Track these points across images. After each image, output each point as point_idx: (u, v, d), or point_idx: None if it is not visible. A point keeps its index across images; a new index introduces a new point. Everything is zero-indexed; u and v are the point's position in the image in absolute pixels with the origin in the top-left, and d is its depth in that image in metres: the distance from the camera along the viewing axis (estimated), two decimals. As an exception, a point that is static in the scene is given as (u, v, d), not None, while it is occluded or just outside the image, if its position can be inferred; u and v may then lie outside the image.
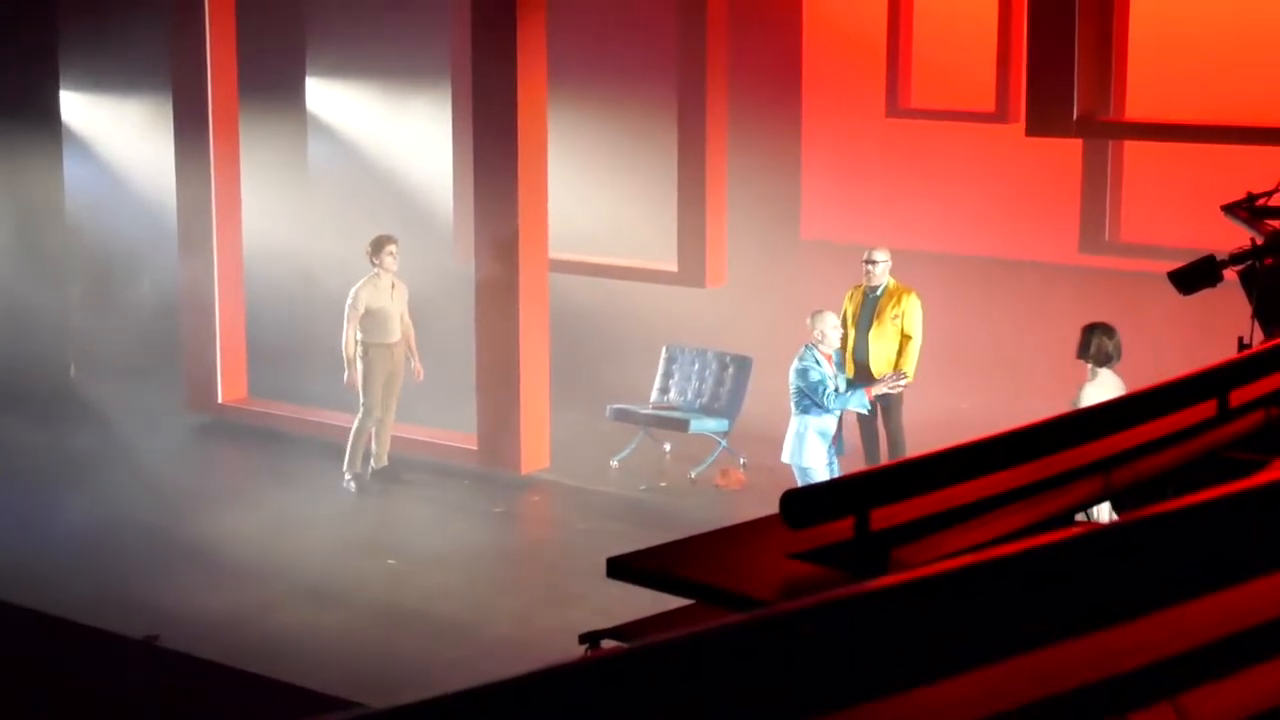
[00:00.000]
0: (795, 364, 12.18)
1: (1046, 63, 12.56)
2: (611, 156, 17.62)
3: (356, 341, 14.25)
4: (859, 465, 11.88)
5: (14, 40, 17.29)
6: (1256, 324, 6.89)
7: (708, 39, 15.74)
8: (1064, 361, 13.44)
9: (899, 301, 13.30)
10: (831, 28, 17.24)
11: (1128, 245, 14.96)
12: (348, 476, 14.41)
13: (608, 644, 4.50)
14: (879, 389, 12.84)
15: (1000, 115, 15.52)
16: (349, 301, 14.28)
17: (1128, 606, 3.08)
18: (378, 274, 14.34)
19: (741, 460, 14.51)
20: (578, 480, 14.56)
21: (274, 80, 18.47)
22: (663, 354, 15.43)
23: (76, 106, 18.85)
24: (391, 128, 19.34)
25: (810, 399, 12.05)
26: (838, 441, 12.28)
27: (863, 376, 13.12)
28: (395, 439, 14.58)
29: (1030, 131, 12.94)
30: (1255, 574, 3.29)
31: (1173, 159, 14.93)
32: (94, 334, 17.61)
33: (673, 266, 16.04)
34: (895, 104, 16.29)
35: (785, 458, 12.30)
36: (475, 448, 14.74)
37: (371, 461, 14.49)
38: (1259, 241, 7.30)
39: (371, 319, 14.25)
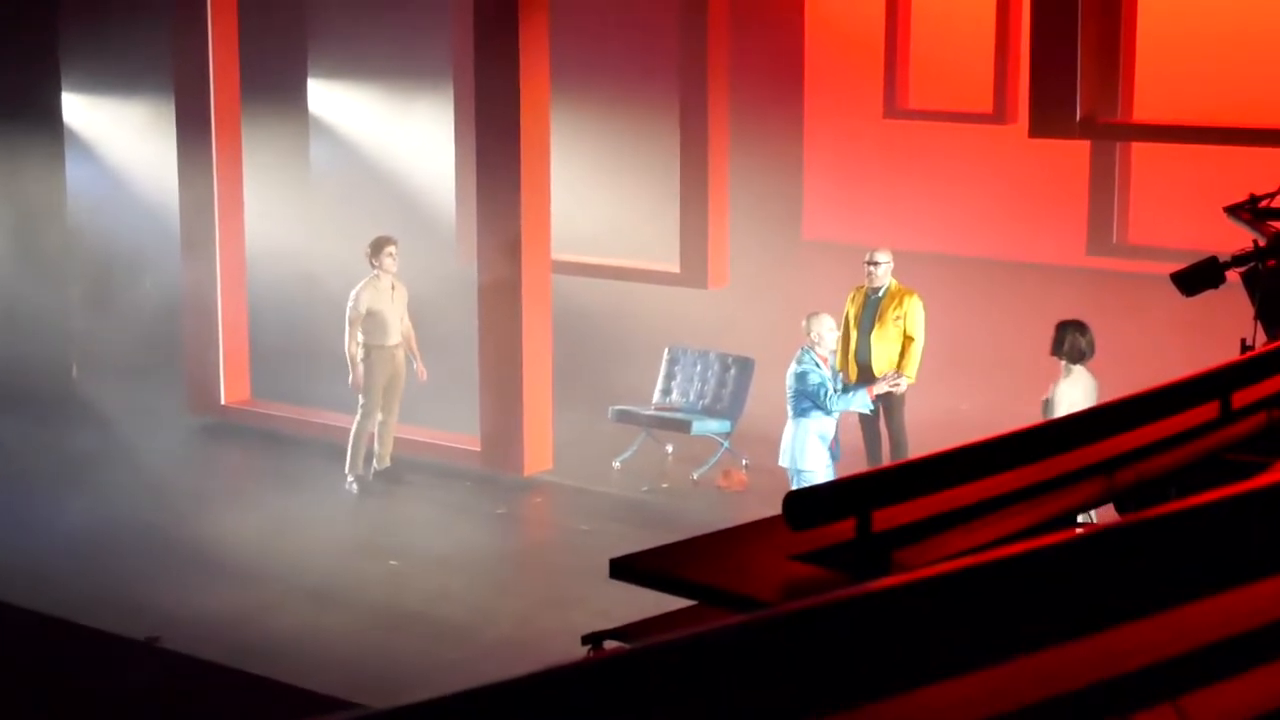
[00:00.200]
0: (793, 367, 12.14)
1: (1049, 64, 12.56)
2: (614, 157, 17.63)
3: (359, 344, 14.26)
4: (859, 467, 11.87)
5: (15, 41, 17.29)
6: (1259, 325, 6.89)
7: (709, 39, 15.74)
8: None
9: (901, 303, 13.29)
10: (833, 28, 17.24)
11: (1135, 247, 14.93)
12: (350, 478, 14.41)
13: (610, 645, 4.51)
14: (879, 388, 12.83)
15: (998, 116, 15.53)
16: (350, 304, 14.28)
17: (1130, 608, 3.08)
18: (377, 275, 14.34)
19: (744, 461, 14.50)
20: (580, 481, 14.55)
21: (276, 81, 18.48)
22: (665, 355, 15.43)
23: (78, 108, 18.86)
24: (394, 129, 19.35)
25: (811, 402, 12.02)
26: (835, 445, 12.27)
27: (865, 378, 13.12)
28: (398, 440, 14.57)
29: (1033, 133, 12.93)
30: (1257, 576, 3.29)
31: (1181, 161, 14.92)
32: (96, 335, 17.61)
33: (675, 267, 16.04)
34: (893, 105, 16.29)
35: (783, 461, 12.26)
36: (478, 449, 14.74)
37: (374, 462, 14.49)
38: (1261, 243, 7.31)
39: (372, 321, 14.25)
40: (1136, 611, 3.08)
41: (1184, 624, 3.14)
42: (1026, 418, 4.80)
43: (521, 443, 14.52)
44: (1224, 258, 7.38)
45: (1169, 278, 7.66)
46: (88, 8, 18.43)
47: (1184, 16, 15.13)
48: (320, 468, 14.71)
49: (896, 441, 13.29)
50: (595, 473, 14.74)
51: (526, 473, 14.55)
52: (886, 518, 4.07)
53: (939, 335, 14.02)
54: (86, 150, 19.10)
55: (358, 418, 14.40)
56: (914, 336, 13.27)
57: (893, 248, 13.73)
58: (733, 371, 14.99)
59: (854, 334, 13.37)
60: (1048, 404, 11.43)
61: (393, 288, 14.37)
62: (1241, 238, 7.70)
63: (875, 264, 13.37)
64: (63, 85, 17.98)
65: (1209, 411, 5.12)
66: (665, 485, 14.54)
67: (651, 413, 15.04)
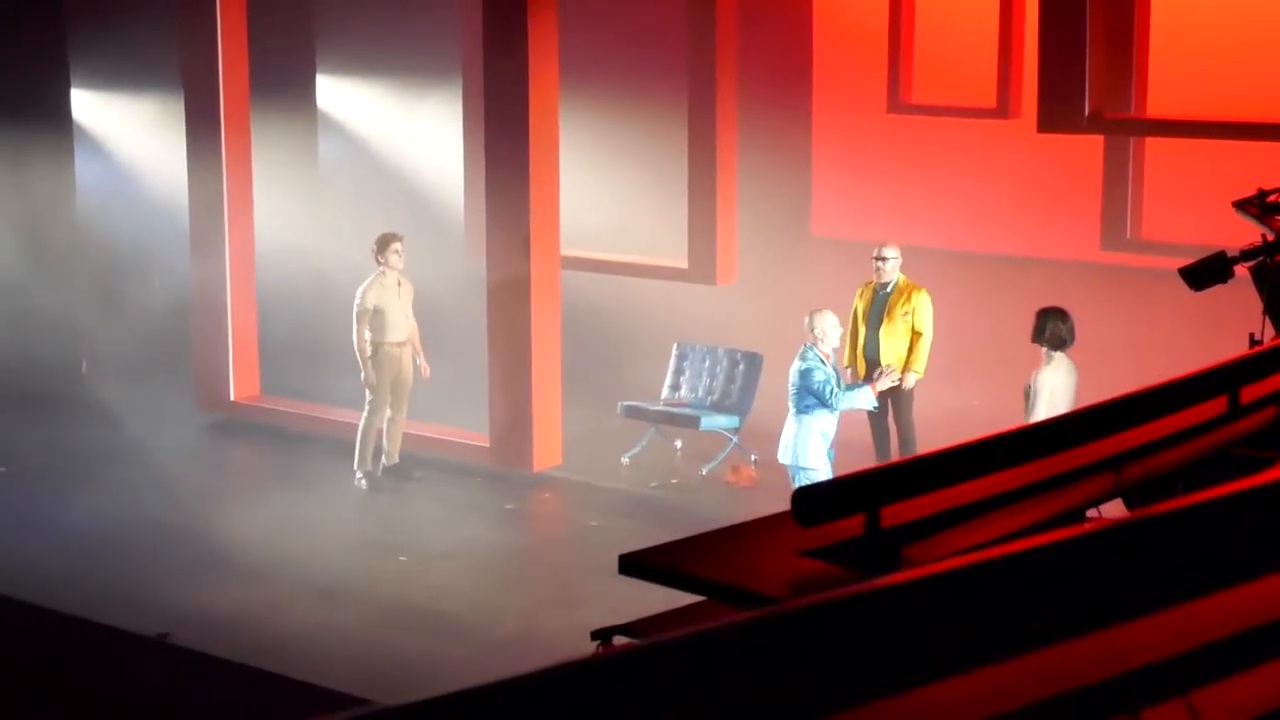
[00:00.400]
0: (797, 364, 12.09)
1: (1057, 59, 12.55)
2: (622, 153, 17.63)
3: (368, 341, 14.26)
4: (865, 463, 11.86)
5: (24, 37, 17.31)
6: (1268, 320, 6.89)
7: (718, 35, 15.73)
8: (1078, 360, 13.43)
9: (909, 298, 13.29)
10: (842, 23, 17.24)
11: (1149, 243, 14.88)
12: (359, 474, 14.42)
13: (619, 641, 4.51)
14: (882, 384, 12.81)
15: (1001, 111, 15.51)
16: (357, 302, 14.28)
17: (1139, 603, 3.08)
18: (383, 272, 14.34)
19: (752, 457, 14.50)
20: (589, 477, 14.56)
21: (285, 78, 18.48)
22: (673, 351, 15.43)
23: (87, 104, 18.88)
24: (402, 125, 19.36)
25: (815, 399, 11.98)
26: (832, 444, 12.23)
27: (873, 373, 13.11)
28: (407, 436, 14.58)
29: (1042, 128, 12.92)
30: (1266, 571, 3.29)
31: (1196, 156, 14.89)
32: (105, 332, 17.63)
33: (683, 263, 16.03)
34: (897, 100, 16.28)
35: (783, 458, 12.19)
36: (487, 445, 14.75)
37: (383, 459, 14.49)
38: (1270, 238, 7.30)
39: (379, 318, 14.24)
40: (1146, 607, 3.09)
41: (1193, 620, 3.14)
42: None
43: (530, 439, 14.53)
44: (1232, 252, 7.38)
45: (1178, 273, 7.66)
46: (97, 4, 18.44)
47: (1196, 10, 15.10)
48: (329, 464, 14.72)
49: (905, 437, 13.28)
50: (604, 468, 14.74)
51: (535, 469, 14.56)
52: (895, 514, 4.08)
53: (949, 331, 14.01)
54: (95, 147, 19.12)
55: (365, 414, 14.41)
56: (922, 332, 13.26)
57: (901, 243, 13.72)
58: (741, 367, 14.99)
59: (862, 329, 13.37)
60: (1029, 390, 11.58)
61: (399, 284, 14.36)
62: (1255, 233, 7.69)
63: (884, 259, 13.37)
64: (71, 81, 17.99)
65: (1217, 407, 5.12)
66: (674, 481, 14.54)
67: (660, 408, 15.05)
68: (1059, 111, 12.62)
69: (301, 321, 17.21)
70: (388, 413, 14.42)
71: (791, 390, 12.11)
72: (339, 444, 14.78)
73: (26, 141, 17.23)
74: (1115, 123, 13.23)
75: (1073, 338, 11.69)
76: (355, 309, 14.30)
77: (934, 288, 13.59)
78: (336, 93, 19.66)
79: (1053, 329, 11.64)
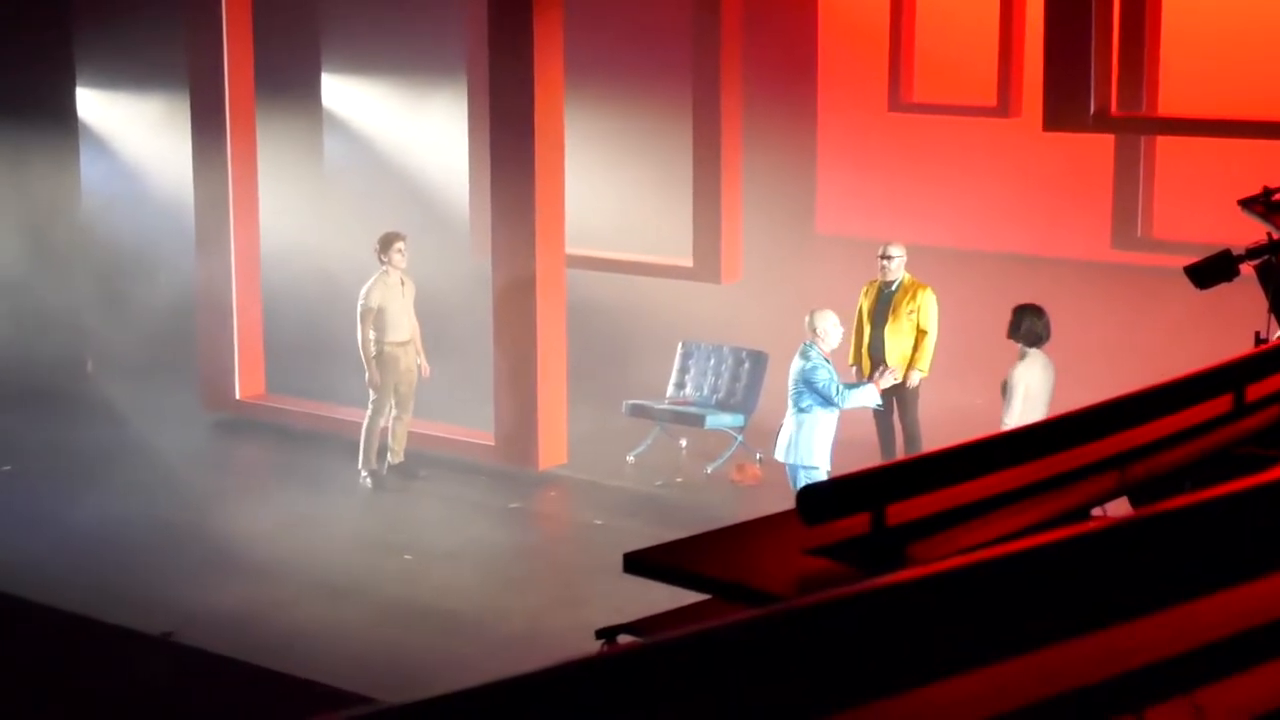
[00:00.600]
0: (801, 364, 12.05)
1: (1062, 57, 12.53)
2: (627, 152, 17.62)
3: (372, 341, 14.26)
4: (870, 462, 11.85)
5: (29, 36, 17.31)
6: (1273, 319, 6.88)
7: (722, 33, 15.73)
8: (1081, 358, 13.43)
9: (914, 296, 13.29)
10: (847, 22, 17.22)
11: (1160, 241, 14.84)
12: (363, 473, 14.42)
13: (624, 639, 4.51)
14: (885, 381, 12.80)
15: (1002, 110, 15.51)
16: (361, 302, 14.28)
17: (1144, 602, 3.08)
18: (386, 271, 14.34)
19: (757, 455, 14.50)
20: (594, 476, 14.56)
21: (290, 77, 18.49)
22: (678, 349, 15.43)
23: (92, 103, 18.88)
24: (407, 124, 19.36)
25: (821, 398, 11.96)
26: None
27: (877, 371, 13.11)
28: (412, 435, 14.58)
29: (1047, 126, 12.91)
30: (1271, 569, 3.29)
31: (1208, 154, 14.85)
32: (110, 331, 17.64)
33: (688, 262, 16.03)
34: (897, 98, 16.27)
35: (783, 457, 12.15)
36: (492, 444, 14.75)
37: (388, 457, 14.50)
38: (1276, 236, 7.29)
39: (382, 317, 14.24)
40: (1151, 606, 3.08)
41: (1199, 618, 3.14)
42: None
43: (536, 437, 14.53)
44: (1238, 251, 7.37)
45: (1183, 271, 7.65)
46: (101, 3, 18.44)
47: (1208, 8, 15.07)
48: (335, 463, 14.72)
49: (910, 436, 13.28)
50: (609, 467, 14.74)
51: (541, 467, 14.56)
52: (901, 512, 4.08)
53: (955, 329, 14.00)
54: (100, 146, 19.12)
55: (368, 414, 14.41)
56: (927, 330, 13.27)
57: (908, 241, 13.72)
58: (746, 366, 14.99)
59: (867, 328, 13.38)
60: (1005, 386, 11.79)
61: (402, 283, 14.36)
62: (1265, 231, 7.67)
63: (889, 258, 13.37)
64: (76, 80, 18.01)
65: (1222, 405, 5.11)
66: (679, 480, 14.54)
67: (665, 407, 15.05)
68: (1064, 110, 12.61)
69: (306, 320, 17.21)
70: (392, 412, 14.42)
71: (792, 389, 12.08)
72: (344, 443, 14.78)
73: (31, 140, 17.24)
74: (1120, 121, 13.21)
75: (1048, 334, 11.88)
76: (359, 309, 14.29)
77: (941, 286, 13.58)
78: (341, 91, 19.66)
79: (1028, 326, 11.84)
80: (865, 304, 13.46)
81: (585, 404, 15.22)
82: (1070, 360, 12.75)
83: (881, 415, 13.30)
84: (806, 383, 11.97)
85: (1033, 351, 11.82)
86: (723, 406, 14.89)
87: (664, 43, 17.41)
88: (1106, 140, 14.62)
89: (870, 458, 12.37)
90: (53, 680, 10.63)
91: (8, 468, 14.93)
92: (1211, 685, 3.09)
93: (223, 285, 16.07)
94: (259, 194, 16.22)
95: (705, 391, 15.12)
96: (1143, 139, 14.56)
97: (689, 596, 4.38)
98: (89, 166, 18.24)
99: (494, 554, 12.91)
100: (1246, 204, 8.03)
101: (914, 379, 13.22)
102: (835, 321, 12.18)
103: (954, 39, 16.22)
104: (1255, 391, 5.19)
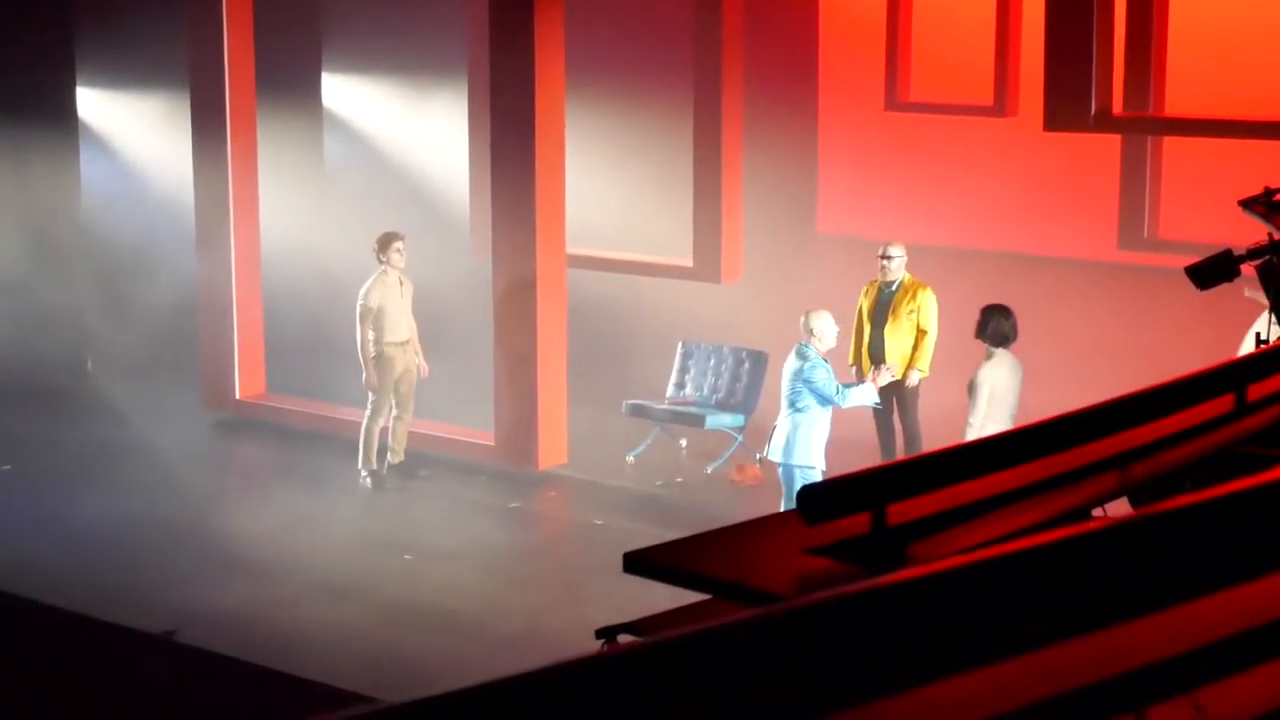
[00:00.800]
0: (799, 364, 11.99)
1: (1063, 57, 12.53)
2: (628, 151, 17.61)
3: (371, 341, 14.26)
4: (870, 462, 11.84)
5: (29, 36, 17.31)
6: (1275, 319, 6.87)
7: (723, 33, 15.72)
8: (1085, 356, 13.43)
9: (914, 296, 13.30)
10: (848, 21, 17.21)
11: (1167, 242, 14.81)
12: (363, 473, 14.42)
13: (624, 639, 4.51)
14: (882, 379, 12.77)
15: (998, 109, 15.50)
16: (360, 302, 14.28)
17: (1144, 601, 3.08)
18: (385, 271, 14.34)
19: (757, 456, 14.48)
20: (594, 476, 14.56)
21: (291, 76, 18.48)
22: (679, 349, 15.42)
23: (92, 102, 18.87)
24: (408, 124, 19.35)
25: (820, 398, 11.93)
26: None
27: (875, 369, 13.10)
28: (413, 434, 14.58)
29: (1048, 126, 12.90)
30: (1272, 569, 3.29)
31: (1215, 154, 14.82)
32: (110, 330, 17.64)
33: (688, 261, 16.02)
34: (894, 98, 16.26)
35: (779, 457, 12.09)
36: (492, 444, 14.75)
37: (389, 456, 14.50)
38: (1277, 236, 7.29)
39: (381, 317, 14.24)
40: (1152, 605, 3.08)
41: (1200, 618, 3.14)
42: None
43: (536, 437, 14.53)
44: (1238, 251, 7.36)
45: (1184, 271, 7.64)
46: (102, 2, 18.44)
47: (1214, 8, 15.04)
48: (335, 462, 14.72)
49: (911, 436, 13.28)
50: (609, 467, 14.74)
51: (541, 467, 14.55)
52: (901, 512, 4.08)
53: (956, 329, 13.99)
54: (101, 145, 19.12)
55: (367, 415, 14.41)
56: (927, 330, 13.27)
57: (910, 241, 13.72)
58: (746, 366, 14.99)
59: (867, 328, 13.38)
60: (972, 385, 12.01)
61: (400, 283, 14.36)
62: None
63: (889, 258, 13.38)
64: (77, 80, 18.00)
65: (1224, 405, 5.11)
66: (679, 480, 14.54)
67: (665, 407, 15.04)
68: (1065, 110, 12.60)
69: (307, 319, 17.21)
70: (392, 412, 14.42)
71: (789, 389, 12.02)
72: (345, 442, 14.78)
73: (32, 140, 17.24)
74: (1121, 121, 13.21)
75: (1014, 335, 12.09)
76: (359, 309, 14.29)
77: (941, 286, 13.58)
78: (342, 91, 19.65)
79: (995, 326, 12.07)
80: (865, 304, 13.47)
81: (585, 404, 15.22)
82: (1071, 360, 12.76)
83: (882, 415, 13.30)
84: (806, 382, 11.94)
85: (999, 351, 12.03)
86: (723, 406, 14.89)
87: (665, 42, 17.40)
88: (1113, 140, 14.61)
89: (870, 457, 12.37)
90: (53, 679, 10.64)
91: (8, 467, 14.93)
92: (1212, 685, 3.09)
93: (223, 284, 16.07)
94: (259, 193, 16.22)
95: (705, 391, 15.11)
96: (1149, 139, 14.54)
97: (689, 596, 4.38)
98: (89, 166, 18.24)
99: (494, 554, 12.91)
100: (1247, 204, 8.03)
101: (914, 379, 13.23)
102: (830, 321, 12.15)
103: (951, 38, 16.21)
104: (1257, 391, 5.19)
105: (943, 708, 2.77)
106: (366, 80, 19.52)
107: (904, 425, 13.33)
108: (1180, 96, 13.97)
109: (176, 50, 16.63)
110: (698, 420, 14.72)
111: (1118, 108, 12.87)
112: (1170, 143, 14.79)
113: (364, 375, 14.38)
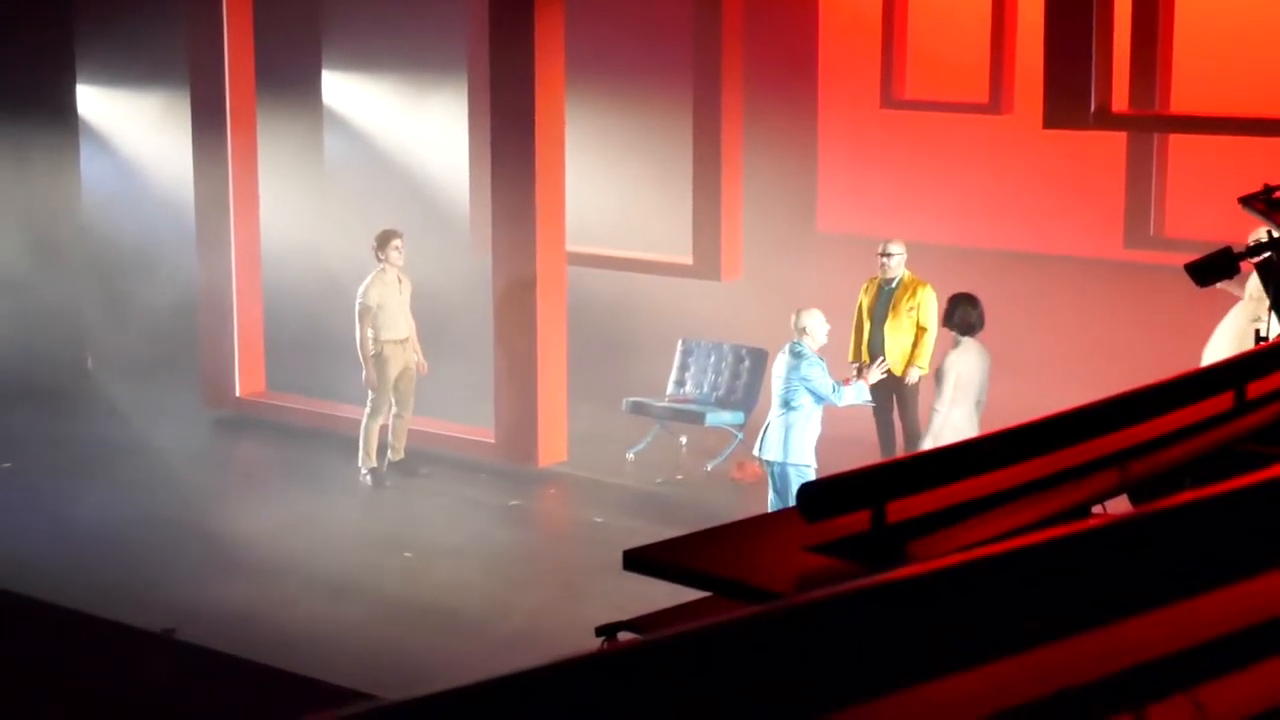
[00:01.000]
0: (794, 362, 11.92)
1: (1063, 55, 12.52)
2: (628, 149, 17.62)
3: (370, 339, 14.25)
4: (870, 459, 11.84)
5: (29, 33, 17.30)
6: (1275, 316, 6.87)
7: (723, 31, 15.73)
8: (1086, 355, 13.43)
9: (914, 294, 13.30)
10: (847, 19, 17.21)
11: (1173, 240, 14.79)
12: (363, 471, 14.42)
13: (624, 636, 4.51)
14: (873, 376, 12.73)
15: (993, 107, 15.51)
16: (359, 300, 14.27)
17: (1144, 599, 3.08)
18: (384, 269, 14.34)
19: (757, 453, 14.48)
20: (594, 473, 14.56)
21: (291, 74, 18.48)
22: (678, 347, 15.42)
23: (92, 100, 18.87)
24: (408, 121, 19.35)
25: (816, 395, 11.89)
26: None
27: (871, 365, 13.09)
28: (413, 432, 14.58)
29: (1048, 124, 12.89)
30: (1271, 567, 3.29)
31: (1221, 152, 14.81)
32: (110, 328, 17.63)
33: (688, 259, 16.03)
34: (890, 95, 16.27)
35: (772, 455, 12.03)
36: (493, 441, 14.75)
37: (389, 454, 14.49)
38: (1277, 234, 7.29)
39: (380, 315, 14.24)
40: (1151, 603, 3.08)
41: (1200, 616, 3.14)
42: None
43: (536, 435, 14.53)
44: (1238, 248, 7.36)
45: (1184, 268, 7.64)
46: (103, 0, 18.44)
47: (1220, 5, 15.03)
48: (335, 460, 14.72)
49: (910, 434, 13.28)
50: (609, 465, 14.74)
51: (541, 465, 14.56)
52: (901, 509, 4.08)
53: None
54: (101, 143, 19.12)
55: (366, 413, 14.41)
56: (927, 327, 13.27)
57: (910, 239, 13.72)
58: (746, 363, 14.99)
59: (867, 325, 13.38)
60: (939, 373, 12.23)
61: (399, 281, 14.36)
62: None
63: (889, 255, 13.38)
64: (77, 77, 17.99)
65: (1224, 403, 5.11)
66: (679, 477, 14.54)
67: (665, 405, 15.04)
68: (1064, 108, 12.60)
69: (307, 317, 17.21)
70: (392, 409, 14.42)
71: (783, 387, 11.95)
72: (345, 440, 14.78)
73: (31, 137, 17.23)
74: (1121, 119, 13.20)
75: (981, 323, 12.27)
76: (358, 307, 14.29)
77: (941, 284, 13.57)
78: (342, 89, 19.66)
79: (961, 314, 12.25)
80: (865, 301, 13.47)
81: (585, 401, 15.22)
82: (1071, 360, 12.75)
83: (881, 413, 13.30)
84: (802, 380, 11.90)
85: (966, 340, 12.20)
86: (723, 404, 14.89)
87: (665, 40, 17.40)
88: (1118, 138, 14.60)
89: (870, 455, 12.36)
90: (53, 678, 10.63)
91: (8, 465, 14.93)
92: (1212, 682, 3.09)
93: (223, 283, 16.07)
94: (259, 191, 16.22)
95: (705, 389, 15.11)
96: (1155, 136, 14.53)
97: (689, 594, 4.37)
98: (89, 164, 18.23)
99: (494, 551, 12.91)
100: (1247, 201, 8.03)
101: (913, 376, 13.23)
102: (822, 319, 12.11)
103: (947, 36, 16.22)
104: (1256, 389, 5.19)
105: (942, 705, 2.78)
106: (367, 78, 19.52)
107: (904, 423, 13.33)
108: (1187, 94, 13.95)
109: (176, 48, 16.63)
110: (698, 418, 14.72)
111: (1118, 105, 12.86)
112: (1176, 140, 14.78)
113: (363, 373, 14.38)
